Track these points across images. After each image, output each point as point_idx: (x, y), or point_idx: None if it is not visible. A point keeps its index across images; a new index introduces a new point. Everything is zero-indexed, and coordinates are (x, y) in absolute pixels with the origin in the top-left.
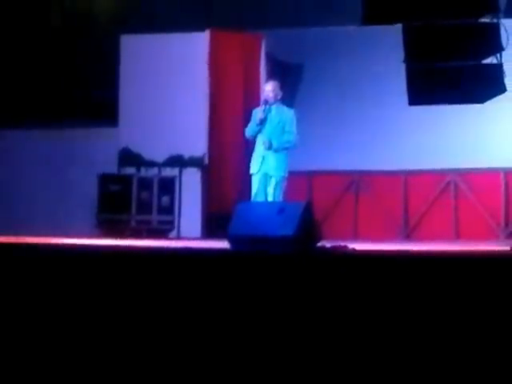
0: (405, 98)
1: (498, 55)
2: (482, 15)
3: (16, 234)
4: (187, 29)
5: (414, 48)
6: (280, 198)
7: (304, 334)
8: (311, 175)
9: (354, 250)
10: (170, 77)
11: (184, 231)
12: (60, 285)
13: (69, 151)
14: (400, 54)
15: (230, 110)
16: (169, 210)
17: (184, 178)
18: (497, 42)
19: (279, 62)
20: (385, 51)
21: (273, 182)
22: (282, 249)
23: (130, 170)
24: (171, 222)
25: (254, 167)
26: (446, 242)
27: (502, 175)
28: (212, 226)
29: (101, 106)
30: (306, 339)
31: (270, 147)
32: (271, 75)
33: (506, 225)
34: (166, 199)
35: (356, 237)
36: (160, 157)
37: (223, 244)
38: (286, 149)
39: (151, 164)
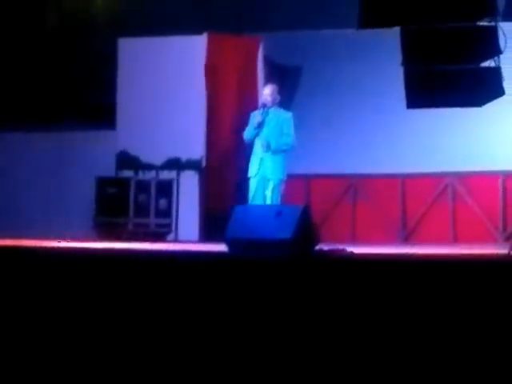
0: (403, 101)
1: (496, 58)
2: (480, 18)
3: (14, 236)
4: (185, 32)
5: (411, 51)
6: (278, 202)
7: (302, 337)
8: (309, 178)
9: (352, 253)
10: (168, 80)
11: (182, 234)
12: (57, 288)
13: (66, 154)
14: (398, 57)
15: (227, 113)
16: (166, 213)
17: (182, 181)
18: (495, 45)
19: (277, 65)
20: (383, 54)
21: (271, 185)
22: (279, 252)
23: (128, 173)
24: (169, 225)
25: (252, 170)
26: (444, 245)
27: (500, 178)
28: (210, 229)
29: (98, 109)
30: (305, 342)
31: (268, 148)
32: (269, 78)
33: (504, 228)
34: (163, 202)
35: (354, 240)
36: (158, 160)
37: (221, 247)
38: (284, 151)
39: (149, 167)
